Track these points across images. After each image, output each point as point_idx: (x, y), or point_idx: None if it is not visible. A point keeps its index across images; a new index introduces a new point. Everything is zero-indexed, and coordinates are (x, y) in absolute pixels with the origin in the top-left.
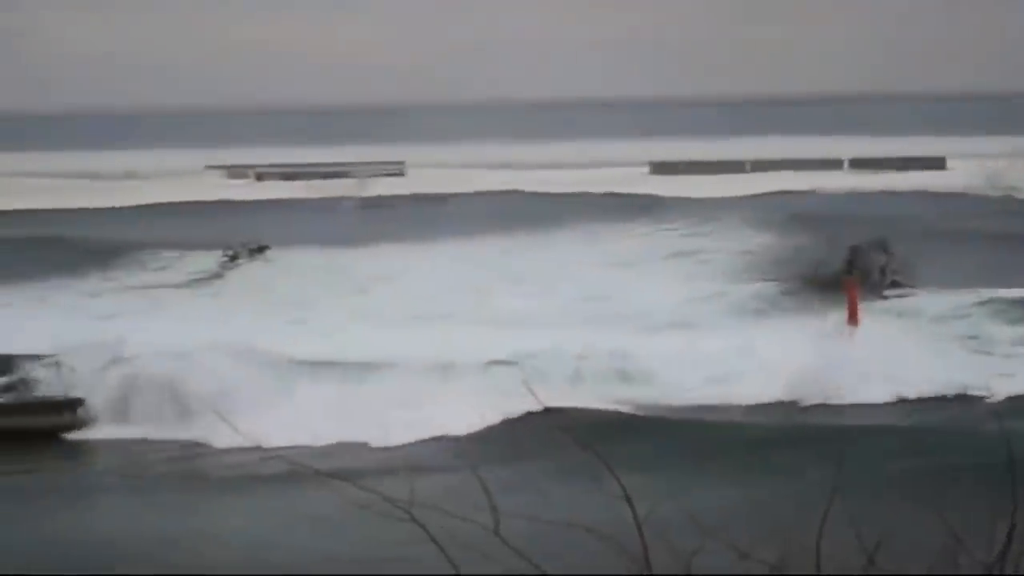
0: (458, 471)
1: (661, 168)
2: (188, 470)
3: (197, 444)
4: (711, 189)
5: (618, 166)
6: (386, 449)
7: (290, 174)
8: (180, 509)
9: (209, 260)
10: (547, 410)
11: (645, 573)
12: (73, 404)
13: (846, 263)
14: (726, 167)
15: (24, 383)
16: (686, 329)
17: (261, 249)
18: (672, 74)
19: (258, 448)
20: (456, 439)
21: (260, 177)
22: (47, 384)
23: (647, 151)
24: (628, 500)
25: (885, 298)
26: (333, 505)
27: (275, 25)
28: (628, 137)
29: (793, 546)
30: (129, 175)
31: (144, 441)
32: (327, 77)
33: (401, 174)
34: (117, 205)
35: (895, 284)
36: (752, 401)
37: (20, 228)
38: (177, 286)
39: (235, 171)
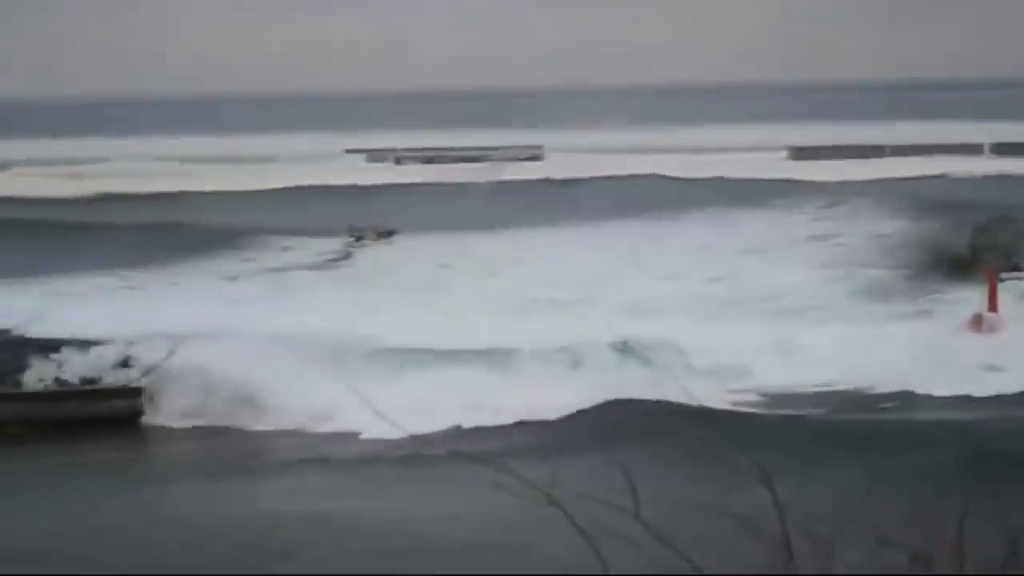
0: (587, 453)
1: (800, 153)
2: (305, 454)
3: (305, 431)
4: (848, 174)
5: (757, 151)
6: (506, 432)
7: (429, 158)
8: (304, 492)
9: (337, 242)
10: (668, 396)
11: (788, 571)
12: (131, 392)
13: (970, 244)
14: (865, 152)
15: (120, 367)
16: (812, 314)
17: (389, 233)
18: (813, 59)
19: (383, 431)
20: (578, 422)
21: (399, 161)
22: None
23: (786, 136)
24: (769, 485)
25: (1001, 280)
26: (465, 488)
27: (416, 12)
28: (767, 122)
29: (933, 533)
30: (269, 159)
31: (263, 428)
32: (469, 62)
33: (540, 158)
34: (256, 188)
35: (1017, 267)
36: (880, 389)
37: (157, 212)
38: (306, 268)
39: (374, 155)
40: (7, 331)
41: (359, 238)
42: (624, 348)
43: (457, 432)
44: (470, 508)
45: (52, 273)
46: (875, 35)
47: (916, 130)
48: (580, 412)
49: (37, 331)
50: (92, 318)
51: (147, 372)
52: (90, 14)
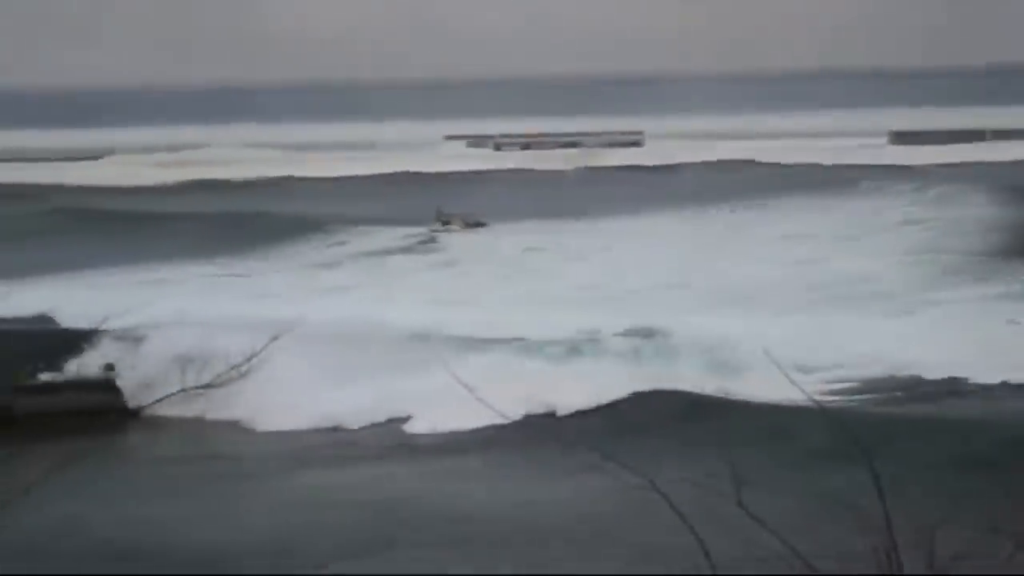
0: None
1: (900, 138)
2: (385, 439)
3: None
4: (947, 158)
5: (857, 136)
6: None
7: (527, 144)
8: (385, 479)
9: (421, 229)
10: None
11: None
12: (105, 384)
13: None
14: (966, 136)
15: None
16: (903, 299)
17: (478, 225)
18: (913, 44)
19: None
20: (664, 413)
21: (498, 147)
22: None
23: (887, 121)
24: (873, 473)
25: None
26: (555, 473)
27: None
28: (869, 107)
29: None
30: (370, 146)
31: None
32: (570, 48)
33: (640, 144)
34: (355, 175)
35: None
36: (977, 378)
37: (255, 199)
38: (394, 252)
39: (474, 141)
40: (49, 318)
41: (446, 223)
42: (702, 341)
43: (529, 419)
44: (560, 494)
45: (152, 261)
46: (979, 18)
47: (1018, 114)
48: (636, 395)
49: (138, 319)
50: (191, 306)
51: (246, 360)
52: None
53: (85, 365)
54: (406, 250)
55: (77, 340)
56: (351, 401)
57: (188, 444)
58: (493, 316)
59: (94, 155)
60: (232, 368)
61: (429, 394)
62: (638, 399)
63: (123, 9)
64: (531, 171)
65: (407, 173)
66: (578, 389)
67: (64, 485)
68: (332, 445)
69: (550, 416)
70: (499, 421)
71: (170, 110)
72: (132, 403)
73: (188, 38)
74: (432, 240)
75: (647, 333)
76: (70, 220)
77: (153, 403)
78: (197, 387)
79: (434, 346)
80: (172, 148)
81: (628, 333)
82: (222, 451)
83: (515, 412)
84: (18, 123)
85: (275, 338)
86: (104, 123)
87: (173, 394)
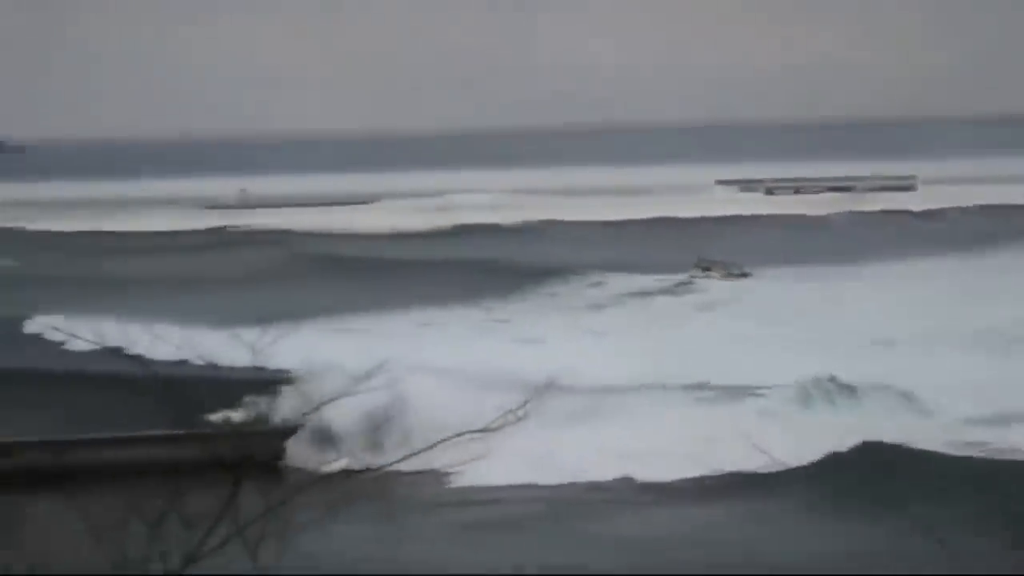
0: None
1: None
2: (637, 486)
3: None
4: None
5: None
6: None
7: (797, 188)
8: (646, 526)
9: (681, 276)
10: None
11: None
12: (287, 432)
13: None
14: None
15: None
16: None
17: (742, 275)
18: None
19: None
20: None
21: (770, 191)
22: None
23: None
24: None
25: None
26: (818, 519)
27: (794, 41)
28: None
29: None
30: (637, 190)
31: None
32: (837, 91)
33: (912, 188)
34: (619, 219)
35: None
36: None
37: (513, 244)
38: (645, 296)
39: (746, 185)
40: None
41: (706, 270)
42: (963, 389)
43: (782, 464)
44: (826, 538)
45: (415, 307)
46: None
47: None
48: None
49: (402, 366)
50: (456, 351)
51: (521, 406)
52: (455, 44)
53: (344, 413)
54: (665, 292)
55: (351, 386)
56: (603, 448)
57: (441, 491)
58: (750, 363)
59: (364, 200)
60: (507, 412)
61: (685, 441)
62: (889, 451)
63: (401, 54)
64: (798, 216)
65: (672, 218)
66: (829, 438)
67: (330, 532)
68: (586, 491)
69: (802, 464)
70: (762, 468)
71: (439, 155)
72: (402, 448)
73: (462, 83)
74: (690, 284)
75: (902, 383)
76: (335, 266)
77: (430, 447)
78: (473, 431)
79: (688, 394)
80: (440, 193)
81: (882, 386)
82: (473, 498)
83: (775, 460)
84: (289, 169)
85: (548, 384)
86: (374, 168)
87: (448, 439)
